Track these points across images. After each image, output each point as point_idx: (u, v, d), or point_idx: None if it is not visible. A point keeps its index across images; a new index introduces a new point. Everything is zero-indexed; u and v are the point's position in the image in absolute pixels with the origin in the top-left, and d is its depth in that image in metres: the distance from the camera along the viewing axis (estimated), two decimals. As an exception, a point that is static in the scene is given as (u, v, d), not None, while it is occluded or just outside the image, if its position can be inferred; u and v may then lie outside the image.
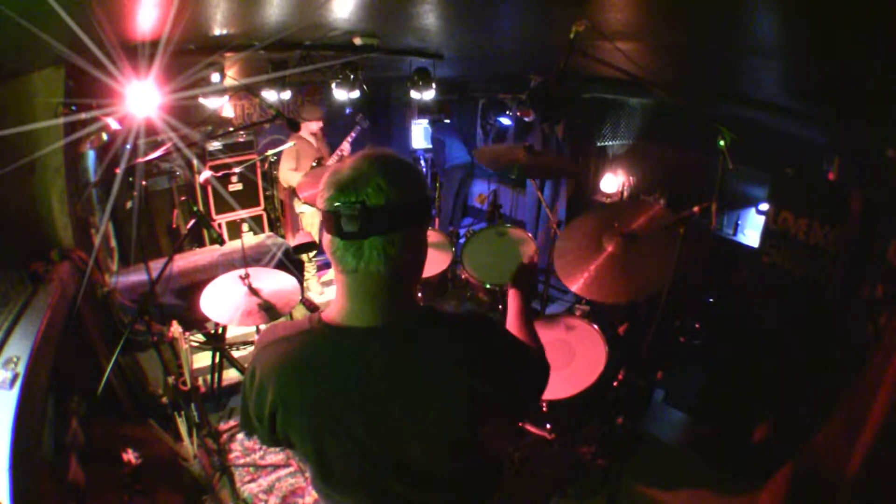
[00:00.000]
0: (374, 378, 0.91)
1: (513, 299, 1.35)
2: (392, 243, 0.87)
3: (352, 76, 3.58)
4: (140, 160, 2.50)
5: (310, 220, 4.45)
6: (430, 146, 5.76)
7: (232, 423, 2.98)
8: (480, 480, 1.10)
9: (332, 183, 0.88)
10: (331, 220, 0.87)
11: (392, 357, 0.92)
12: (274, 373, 0.95)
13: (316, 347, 0.95)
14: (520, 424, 2.32)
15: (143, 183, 4.10)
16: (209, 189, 4.60)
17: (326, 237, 0.91)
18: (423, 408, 0.93)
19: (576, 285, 2.05)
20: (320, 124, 4.33)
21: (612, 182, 4.56)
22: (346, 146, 4.40)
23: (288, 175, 4.23)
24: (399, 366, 0.92)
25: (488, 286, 2.60)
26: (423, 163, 5.63)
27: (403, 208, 0.88)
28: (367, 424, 0.93)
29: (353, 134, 4.41)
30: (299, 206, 4.45)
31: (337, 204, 0.86)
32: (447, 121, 5.86)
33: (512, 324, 1.28)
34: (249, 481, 2.61)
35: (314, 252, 4.45)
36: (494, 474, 1.17)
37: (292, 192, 4.41)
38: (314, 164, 4.14)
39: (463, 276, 2.78)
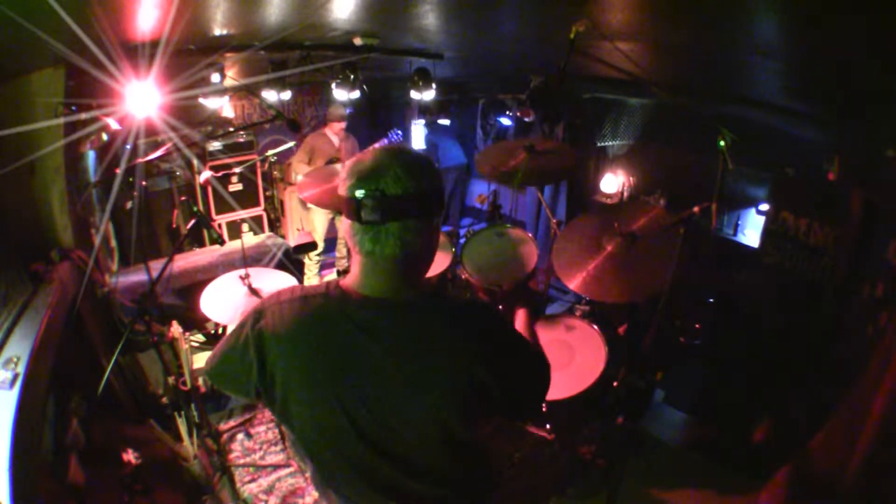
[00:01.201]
0: (377, 348, 0.94)
1: (519, 315, 1.38)
2: (408, 229, 0.93)
3: (352, 76, 3.58)
4: (140, 160, 2.50)
5: (314, 218, 4.45)
6: (425, 147, 5.77)
7: (232, 423, 2.99)
8: (476, 478, 1.11)
9: (353, 172, 0.94)
10: (351, 207, 0.93)
11: (400, 332, 0.96)
12: (282, 329, 0.98)
13: (328, 310, 0.99)
14: (520, 424, 2.32)
15: (143, 183, 4.10)
16: (209, 189, 4.61)
17: (346, 222, 0.96)
18: (421, 387, 0.95)
19: (575, 284, 2.05)
20: (342, 125, 4.36)
21: (612, 182, 4.55)
22: None
23: (298, 167, 4.25)
24: (405, 341, 0.95)
25: (488, 287, 2.59)
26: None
27: (420, 197, 0.93)
28: (365, 396, 0.96)
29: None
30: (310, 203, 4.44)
31: (358, 192, 0.92)
32: (444, 122, 5.85)
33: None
34: (249, 481, 2.61)
35: (315, 252, 4.46)
36: (491, 473, 1.17)
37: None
38: (328, 162, 4.14)
39: (463, 276, 2.77)
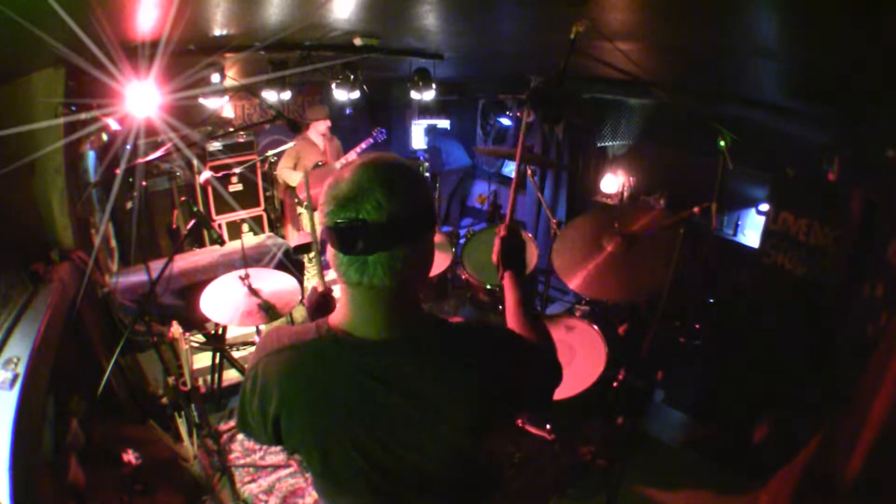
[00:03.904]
0: (381, 391, 0.91)
1: (508, 289, 1.26)
2: (396, 258, 0.85)
3: (352, 76, 3.59)
4: (140, 160, 2.50)
5: (306, 221, 4.44)
6: (427, 149, 5.76)
7: (232, 423, 2.98)
8: (482, 483, 1.11)
9: (331, 197, 0.85)
10: (332, 237, 0.86)
11: (399, 371, 0.91)
12: (280, 382, 0.94)
13: (324, 358, 0.93)
14: (520, 424, 2.32)
15: (143, 183, 4.10)
16: (209, 189, 4.60)
17: (330, 250, 0.89)
18: (429, 421, 0.92)
19: (575, 284, 2.05)
20: (328, 123, 4.30)
21: (612, 182, 4.56)
22: (353, 156, 4.35)
23: (284, 173, 4.24)
24: (406, 379, 0.91)
25: (488, 286, 2.60)
26: (424, 163, 5.61)
27: (406, 222, 0.85)
28: (374, 435, 0.93)
29: (363, 144, 4.37)
30: (299, 208, 4.45)
31: (338, 220, 0.84)
32: (444, 126, 5.85)
33: (513, 319, 1.22)
34: (249, 481, 2.61)
35: (314, 252, 4.45)
36: (494, 475, 1.17)
37: (292, 191, 4.41)
38: (314, 166, 4.14)
39: (463, 277, 2.78)
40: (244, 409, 1.02)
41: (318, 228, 4.49)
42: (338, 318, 0.95)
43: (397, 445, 0.93)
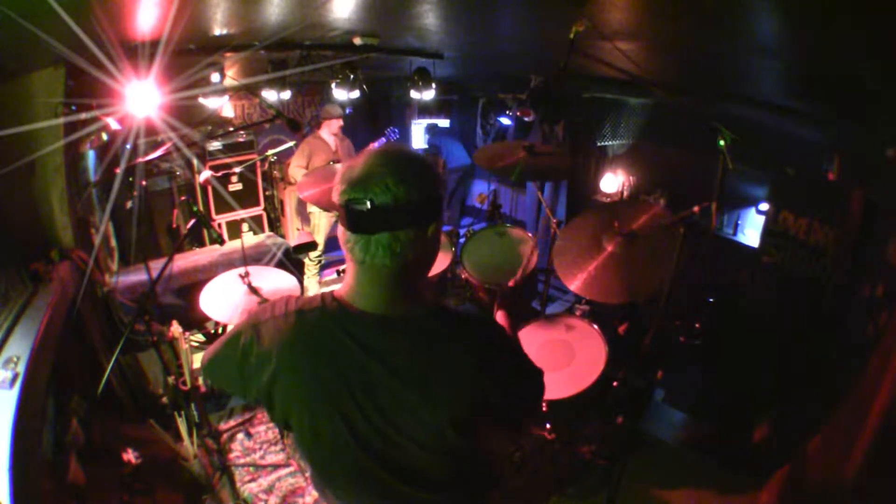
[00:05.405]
0: (380, 367, 0.92)
1: (506, 317, 1.32)
2: (398, 240, 0.90)
3: (352, 76, 3.59)
4: (140, 160, 2.50)
5: (317, 219, 4.44)
6: (428, 148, 5.77)
7: (232, 422, 2.99)
8: (478, 480, 1.10)
9: (345, 178, 0.92)
10: (342, 214, 0.92)
11: (395, 347, 0.93)
12: (282, 346, 0.96)
13: (325, 326, 0.97)
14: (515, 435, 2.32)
15: (143, 183, 4.10)
16: (209, 189, 4.61)
17: (340, 228, 0.95)
18: (426, 405, 0.93)
19: (575, 284, 2.05)
20: (340, 123, 4.30)
21: (612, 182, 4.56)
22: None
23: (295, 171, 4.22)
24: (400, 357, 0.93)
25: (488, 286, 2.59)
26: (443, 160, 5.62)
27: (410, 207, 0.89)
28: (362, 409, 0.94)
29: (375, 144, 4.38)
30: (311, 206, 4.43)
31: (348, 198, 0.90)
32: (444, 125, 5.85)
33: None
34: (249, 481, 2.61)
35: (315, 252, 4.45)
36: (492, 474, 1.17)
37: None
38: (328, 164, 4.12)
39: (463, 276, 2.77)
40: (223, 359, 1.04)
41: (326, 227, 4.44)
42: (344, 290, 0.99)
43: (383, 423, 0.95)
